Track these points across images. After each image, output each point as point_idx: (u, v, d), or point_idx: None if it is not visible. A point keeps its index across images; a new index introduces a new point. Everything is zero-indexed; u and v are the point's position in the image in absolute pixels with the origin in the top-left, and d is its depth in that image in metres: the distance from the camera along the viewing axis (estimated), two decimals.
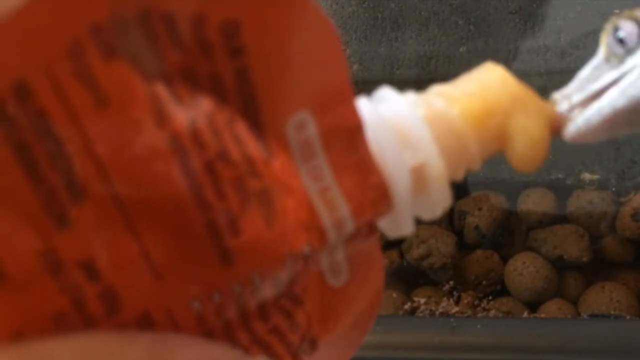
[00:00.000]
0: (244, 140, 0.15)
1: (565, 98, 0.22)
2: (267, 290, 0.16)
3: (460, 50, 0.76)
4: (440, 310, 0.68)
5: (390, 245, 0.71)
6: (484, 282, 0.71)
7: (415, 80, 0.76)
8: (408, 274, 0.72)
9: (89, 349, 0.14)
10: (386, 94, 0.20)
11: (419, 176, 0.19)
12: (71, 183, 0.13)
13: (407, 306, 0.68)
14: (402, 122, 0.19)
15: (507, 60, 0.75)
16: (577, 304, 0.69)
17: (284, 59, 0.16)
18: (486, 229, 0.72)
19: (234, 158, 0.15)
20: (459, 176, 0.20)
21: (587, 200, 0.72)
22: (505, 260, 0.71)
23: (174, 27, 0.14)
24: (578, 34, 0.75)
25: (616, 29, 0.21)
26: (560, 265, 0.70)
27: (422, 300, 0.69)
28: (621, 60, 0.21)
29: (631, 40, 0.21)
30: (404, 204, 0.18)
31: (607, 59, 0.22)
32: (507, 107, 0.20)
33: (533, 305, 0.69)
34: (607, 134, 0.22)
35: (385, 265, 0.71)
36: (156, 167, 0.14)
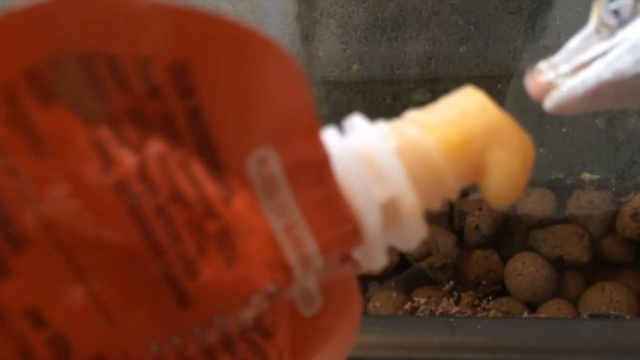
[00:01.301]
0: (200, 181, 0.15)
1: (551, 67, 0.21)
2: (231, 327, 0.16)
3: (460, 50, 0.76)
4: (440, 310, 0.68)
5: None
6: (484, 282, 0.71)
7: (415, 80, 0.76)
8: (408, 274, 0.72)
9: None
10: (357, 123, 0.19)
11: (390, 210, 0.18)
12: (10, 233, 0.13)
13: (407, 306, 0.68)
14: (373, 154, 0.18)
15: (507, 60, 0.75)
16: (577, 304, 0.69)
17: (242, 96, 0.15)
18: (486, 229, 0.72)
19: (189, 199, 0.15)
20: (436, 207, 0.19)
21: (587, 200, 0.72)
22: (505, 260, 0.71)
23: (118, 70, 0.14)
24: None
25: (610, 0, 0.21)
26: (560, 265, 0.70)
27: (422, 300, 0.69)
28: (612, 32, 0.21)
29: (625, 12, 0.20)
30: (375, 238, 0.18)
31: (598, 30, 0.21)
32: (485, 137, 0.19)
33: (533, 305, 0.69)
34: (590, 106, 0.21)
35: (384, 266, 0.71)
36: (102, 212, 0.13)
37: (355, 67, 0.78)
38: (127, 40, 0.14)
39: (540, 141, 0.76)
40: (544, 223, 0.72)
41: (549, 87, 0.21)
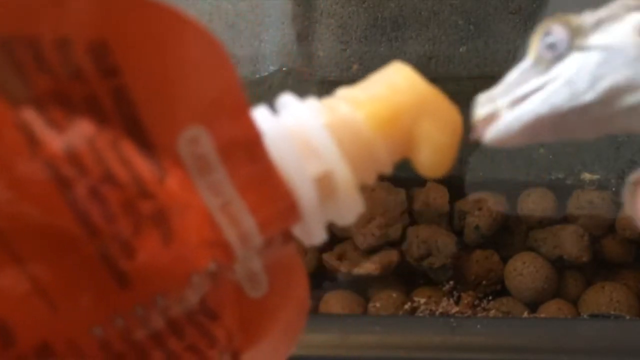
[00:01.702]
0: (131, 161, 0.15)
1: (489, 100, 0.21)
2: (176, 309, 0.16)
3: (460, 50, 0.76)
4: (440, 310, 0.68)
5: (390, 245, 0.71)
6: (484, 282, 0.71)
7: None
8: (408, 274, 0.72)
9: None
10: (288, 101, 0.19)
11: (325, 184, 0.18)
12: None
13: (407, 306, 0.68)
14: (304, 131, 0.18)
15: (507, 60, 0.75)
16: (577, 304, 0.69)
17: (166, 76, 0.16)
18: (486, 229, 0.72)
19: (121, 180, 0.15)
20: (370, 180, 0.20)
21: (587, 200, 0.72)
22: (505, 260, 0.71)
23: (40, 52, 0.14)
24: None
25: (547, 34, 0.21)
26: (560, 265, 0.70)
27: (422, 300, 0.69)
28: (549, 66, 0.21)
29: (561, 46, 0.21)
30: (312, 213, 0.18)
31: (535, 64, 0.21)
32: (414, 111, 0.20)
33: (533, 305, 0.69)
34: (529, 139, 0.21)
35: (383, 265, 0.71)
36: (34, 195, 0.13)
37: (355, 67, 0.78)
38: (48, 22, 0.14)
39: None
40: (544, 223, 0.72)
41: (488, 120, 0.21)
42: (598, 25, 0.20)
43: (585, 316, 0.67)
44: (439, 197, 0.73)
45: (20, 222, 0.14)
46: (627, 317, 0.65)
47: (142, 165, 0.15)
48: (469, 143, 0.21)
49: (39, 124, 0.14)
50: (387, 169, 0.20)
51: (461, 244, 0.72)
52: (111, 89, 0.15)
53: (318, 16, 0.75)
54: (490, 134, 0.21)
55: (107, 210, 0.14)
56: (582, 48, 0.20)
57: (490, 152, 0.75)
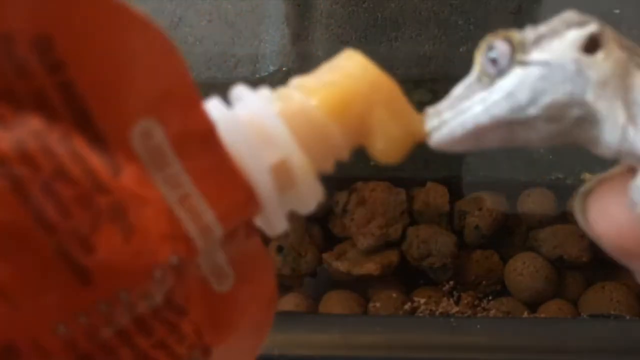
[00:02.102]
0: (84, 156, 0.15)
1: (436, 114, 0.22)
2: (141, 305, 0.16)
3: (460, 50, 0.76)
4: (440, 310, 0.68)
5: (390, 245, 0.71)
6: (484, 282, 0.71)
7: (415, 80, 0.76)
8: (408, 274, 0.72)
9: None
10: (241, 92, 0.19)
11: (282, 173, 0.19)
12: None
13: (407, 306, 0.68)
14: (258, 120, 0.19)
15: None
16: (577, 304, 0.69)
17: (113, 69, 0.15)
18: (486, 229, 0.72)
19: (74, 175, 0.15)
20: (328, 167, 0.20)
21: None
22: (505, 260, 0.71)
23: None
24: None
25: (490, 48, 0.21)
26: (560, 265, 0.70)
27: (422, 300, 0.69)
28: (492, 80, 0.21)
29: (503, 61, 0.21)
30: (272, 202, 0.18)
31: (479, 78, 0.21)
32: (367, 96, 0.20)
33: (533, 305, 0.69)
34: (473, 145, 0.22)
35: (383, 265, 0.70)
36: None
37: None
38: None
39: None
40: (544, 223, 0.72)
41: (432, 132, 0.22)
42: (539, 40, 0.21)
43: (585, 316, 0.67)
44: (439, 197, 0.73)
45: None
46: (627, 317, 0.65)
47: (95, 160, 0.15)
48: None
49: None
50: (344, 155, 0.20)
51: (461, 244, 0.72)
52: (58, 84, 0.15)
53: (318, 16, 0.75)
54: (435, 137, 0.22)
55: (61, 206, 0.14)
56: (523, 63, 0.21)
57: (490, 152, 0.75)
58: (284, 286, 0.71)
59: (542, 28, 0.21)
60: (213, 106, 0.18)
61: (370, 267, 0.69)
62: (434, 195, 0.73)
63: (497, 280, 0.71)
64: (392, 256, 0.71)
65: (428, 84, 0.77)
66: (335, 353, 0.57)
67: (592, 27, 0.20)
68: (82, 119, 0.15)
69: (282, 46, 0.76)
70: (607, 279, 0.70)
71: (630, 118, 0.20)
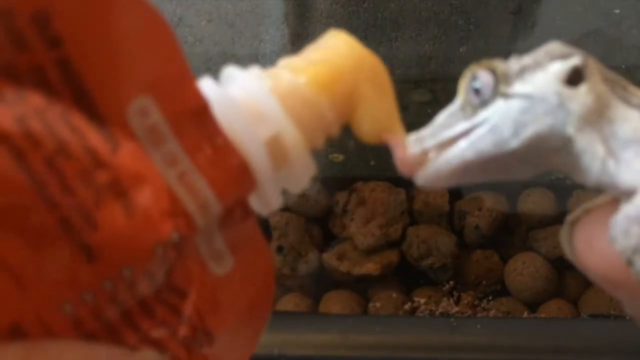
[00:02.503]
0: (83, 133, 0.15)
1: (418, 141, 0.22)
2: (143, 284, 0.16)
3: (460, 50, 0.76)
4: (440, 310, 0.68)
5: (390, 245, 0.71)
6: (484, 282, 0.71)
7: (415, 80, 0.76)
8: (408, 274, 0.72)
9: None
10: (231, 72, 0.20)
11: (276, 148, 0.19)
12: None
13: (407, 306, 0.68)
14: (250, 97, 0.19)
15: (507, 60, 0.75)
16: (577, 304, 0.69)
17: (109, 46, 0.16)
18: (486, 229, 0.72)
19: (75, 151, 0.15)
20: (319, 143, 0.20)
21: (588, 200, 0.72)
22: (505, 260, 0.71)
23: None
24: (578, 34, 0.75)
25: (474, 78, 0.21)
26: (560, 265, 0.70)
27: (422, 300, 0.69)
28: (475, 110, 0.21)
29: (486, 92, 0.21)
30: (266, 178, 0.18)
31: (463, 108, 0.21)
32: (354, 72, 0.20)
33: (533, 305, 0.69)
34: (458, 181, 0.21)
35: (383, 265, 0.70)
36: None
37: None
38: None
39: None
40: (544, 223, 0.72)
41: (417, 161, 0.21)
42: (522, 72, 0.21)
43: (585, 316, 0.67)
44: (439, 197, 0.73)
45: None
46: (627, 317, 0.65)
47: (94, 137, 0.15)
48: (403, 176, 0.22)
49: None
50: (334, 131, 0.20)
51: (461, 244, 0.72)
52: (56, 60, 0.15)
53: (318, 16, 0.75)
54: (421, 177, 0.21)
55: (64, 182, 0.14)
56: (506, 95, 0.20)
57: None
58: (284, 286, 0.71)
59: (526, 59, 0.21)
60: (205, 85, 0.19)
61: (370, 267, 0.69)
62: (434, 195, 0.73)
63: (497, 280, 0.71)
64: (392, 256, 0.71)
65: (428, 84, 0.77)
66: (335, 353, 0.57)
67: (575, 60, 0.20)
68: (80, 96, 0.15)
69: (282, 46, 0.76)
70: None
71: (610, 151, 0.20)
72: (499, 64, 0.21)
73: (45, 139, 0.14)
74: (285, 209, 0.72)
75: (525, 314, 0.68)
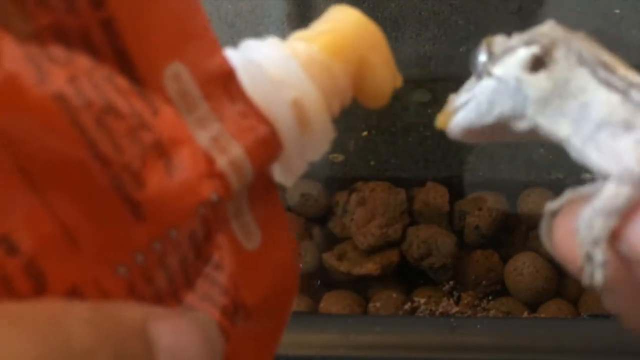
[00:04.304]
0: (128, 94, 0.15)
1: (452, 100, 0.24)
2: (186, 249, 0.16)
3: (460, 50, 0.76)
4: (440, 310, 0.68)
5: (390, 245, 0.71)
6: (484, 282, 0.71)
7: (415, 80, 0.76)
8: (408, 274, 0.72)
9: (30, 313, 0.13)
10: (250, 43, 0.20)
11: (299, 110, 0.19)
12: None
13: (407, 306, 0.68)
14: (272, 62, 0.20)
15: None
16: (577, 304, 0.69)
17: (149, 11, 0.16)
18: (486, 229, 0.72)
19: (123, 111, 0.15)
20: (336, 111, 0.21)
21: None
22: (505, 260, 0.71)
23: None
24: None
25: (478, 51, 0.23)
26: (560, 265, 0.70)
27: (422, 300, 0.69)
28: (477, 81, 0.23)
29: (479, 68, 0.22)
30: (293, 141, 0.19)
31: (474, 76, 0.23)
32: (361, 40, 0.21)
33: (533, 305, 0.69)
34: (471, 140, 0.23)
35: (383, 265, 0.70)
36: (47, 123, 0.13)
37: None
38: None
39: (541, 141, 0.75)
40: None
41: (448, 117, 0.24)
42: (503, 54, 0.22)
43: (585, 316, 0.67)
44: (439, 197, 0.73)
45: (41, 158, 0.13)
46: None
47: (137, 99, 0.15)
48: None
49: (43, 57, 0.14)
50: (348, 99, 0.21)
51: (461, 244, 0.72)
52: (100, 20, 0.15)
53: (318, 16, 0.75)
54: (448, 131, 0.24)
55: (114, 140, 0.15)
56: (488, 74, 0.22)
57: (490, 152, 0.75)
58: None
59: (513, 40, 0.22)
60: (230, 52, 0.19)
61: (370, 267, 0.69)
62: (434, 195, 0.73)
63: (497, 280, 0.71)
64: (392, 256, 0.71)
65: (428, 84, 0.77)
66: (335, 353, 0.57)
67: (534, 49, 0.21)
68: (121, 59, 0.16)
69: None
70: None
71: (581, 133, 0.20)
72: (497, 44, 0.22)
73: (94, 97, 0.14)
74: (286, 209, 0.72)
75: (525, 314, 0.68)
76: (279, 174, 0.20)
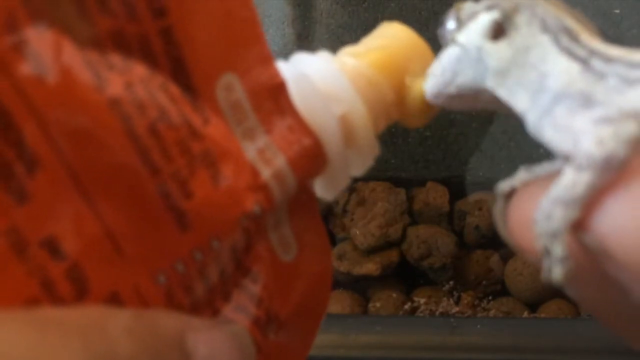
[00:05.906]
0: (180, 103, 0.15)
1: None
2: (227, 260, 0.16)
3: None
4: (440, 310, 0.68)
5: (390, 245, 0.71)
6: (484, 282, 0.71)
7: None
8: (408, 274, 0.72)
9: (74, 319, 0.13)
10: (301, 56, 0.20)
11: (345, 125, 0.19)
12: (23, 153, 0.13)
13: (407, 306, 0.68)
14: (322, 76, 0.19)
15: None
16: (577, 304, 0.69)
17: (207, 22, 0.16)
18: (486, 229, 0.72)
19: (175, 120, 0.15)
20: (382, 127, 0.21)
21: None
22: (505, 260, 0.71)
23: None
24: None
25: (446, 18, 0.21)
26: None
27: (422, 300, 0.69)
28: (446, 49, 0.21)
29: (447, 36, 0.21)
30: (338, 156, 0.19)
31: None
32: (408, 58, 0.21)
33: (533, 305, 0.69)
34: (443, 105, 0.22)
35: (383, 265, 0.70)
36: (100, 131, 0.13)
37: None
38: None
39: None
40: None
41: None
42: (468, 20, 0.20)
43: (585, 316, 0.67)
44: (439, 197, 0.73)
45: (92, 161, 0.13)
46: None
47: (189, 108, 0.15)
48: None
49: (101, 63, 0.14)
50: (393, 115, 0.21)
51: (461, 244, 0.72)
52: (160, 29, 0.15)
53: (318, 16, 0.75)
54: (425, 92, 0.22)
55: (164, 148, 0.15)
56: (454, 42, 0.21)
57: (490, 152, 0.75)
58: None
59: (479, 6, 0.20)
60: (281, 65, 0.19)
61: (370, 267, 0.69)
62: (434, 195, 0.73)
63: (497, 280, 0.71)
64: (392, 256, 0.71)
65: None
66: (335, 353, 0.57)
67: (494, 14, 0.19)
68: (177, 68, 0.16)
69: (283, 46, 0.76)
70: None
71: (539, 106, 0.18)
72: (464, 9, 0.21)
73: (148, 105, 0.14)
74: None
75: (525, 314, 0.68)
76: (320, 187, 0.20)
